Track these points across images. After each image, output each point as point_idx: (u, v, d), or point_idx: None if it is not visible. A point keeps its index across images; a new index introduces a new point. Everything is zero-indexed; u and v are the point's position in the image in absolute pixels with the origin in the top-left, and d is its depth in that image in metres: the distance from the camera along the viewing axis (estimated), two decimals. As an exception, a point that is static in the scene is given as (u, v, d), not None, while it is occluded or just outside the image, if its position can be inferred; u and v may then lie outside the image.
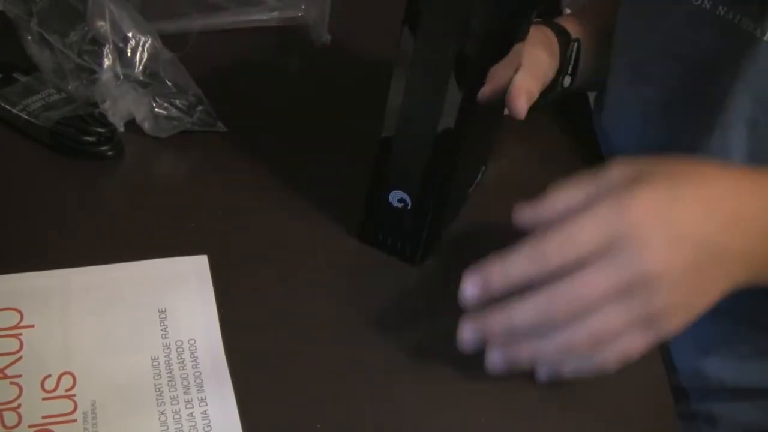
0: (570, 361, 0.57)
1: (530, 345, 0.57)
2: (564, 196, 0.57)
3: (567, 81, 0.78)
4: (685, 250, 0.55)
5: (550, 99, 0.78)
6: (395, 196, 0.66)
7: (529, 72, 0.71)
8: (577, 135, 0.81)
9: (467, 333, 0.58)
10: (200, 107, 0.75)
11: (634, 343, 0.56)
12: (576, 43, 0.77)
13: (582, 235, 0.54)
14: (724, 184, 0.56)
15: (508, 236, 0.72)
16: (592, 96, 0.85)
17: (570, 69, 0.78)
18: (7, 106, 0.74)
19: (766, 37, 0.62)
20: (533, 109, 0.72)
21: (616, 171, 0.57)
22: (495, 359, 0.58)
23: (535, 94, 0.73)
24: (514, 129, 0.77)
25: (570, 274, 0.54)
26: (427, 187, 0.65)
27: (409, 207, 0.66)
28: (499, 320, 0.57)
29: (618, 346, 0.56)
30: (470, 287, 0.57)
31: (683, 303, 0.56)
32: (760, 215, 0.56)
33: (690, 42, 0.68)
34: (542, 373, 0.58)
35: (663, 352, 0.66)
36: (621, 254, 0.54)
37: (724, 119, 0.66)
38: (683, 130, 0.70)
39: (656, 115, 0.72)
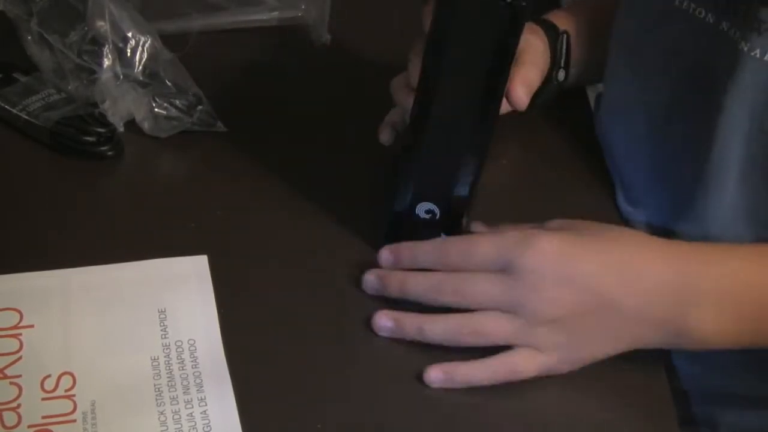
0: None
1: (418, 320, 0.62)
2: (498, 229, 0.66)
3: (561, 75, 0.78)
4: (575, 295, 0.59)
5: (546, 95, 0.78)
6: (423, 208, 0.66)
7: (527, 61, 0.71)
8: (577, 135, 0.81)
9: (370, 277, 0.65)
10: (200, 107, 0.75)
11: (521, 361, 0.60)
12: (565, 35, 0.77)
13: (481, 251, 0.61)
14: (638, 250, 0.61)
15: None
16: (592, 96, 0.85)
17: (563, 62, 0.77)
18: (7, 106, 0.74)
19: (753, 53, 0.62)
20: (533, 102, 0.72)
21: (550, 223, 0.64)
22: (382, 322, 0.63)
23: (536, 83, 0.73)
24: (514, 129, 0.77)
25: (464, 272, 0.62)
26: (456, 196, 0.65)
27: (437, 217, 0.66)
28: (396, 279, 0.64)
29: (504, 359, 0.60)
30: (385, 253, 0.65)
31: (567, 343, 0.60)
32: (672, 285, 0.60)
33: (689, 48, 0.68)
34: (433, 376, 0.61)
35: (663, 355, 0.66)
36: (508, 277, 0.60)
37: (723, 127, 0.65)
38: (684, 134, 0.69)
39: (658, 117, 0.72)
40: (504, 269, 0.60)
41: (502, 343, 0.61)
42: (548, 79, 0.77)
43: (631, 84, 0.73)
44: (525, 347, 0.60)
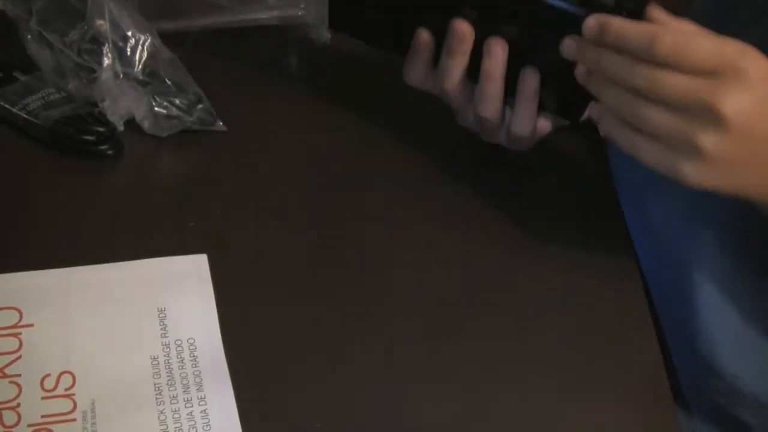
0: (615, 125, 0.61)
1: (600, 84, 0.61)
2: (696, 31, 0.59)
3: None
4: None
5: None
6: None
7: None
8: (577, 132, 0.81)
9: (568, 41, 0.63)
10: (200, 106, 0.75)
11: (655, 155, 0.59)
12: None
13: (700, 48, 0.57)
14: None
15: (518, 237, 0.72)
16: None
17: None
18: (6, 105, 0.74)
19: None
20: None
21: None
22: (581, 70, 0.62)
23: None
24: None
25: (663, 66, 0.57)
26: None
27: None
28: (595, 51, 0.61)
29: (651, 146, 0.59)
30: (592, 22, 0.60)
31: (724, 161, 0.57)
32: None
33: None
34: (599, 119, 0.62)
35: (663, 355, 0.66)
36: (716, 80, 0.56)
37: None
38: None
39: None
40: (712, 71, 0.56)
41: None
42: None
43: None
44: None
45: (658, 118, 0.58)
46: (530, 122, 0.69)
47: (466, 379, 0.62)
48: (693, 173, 0.58)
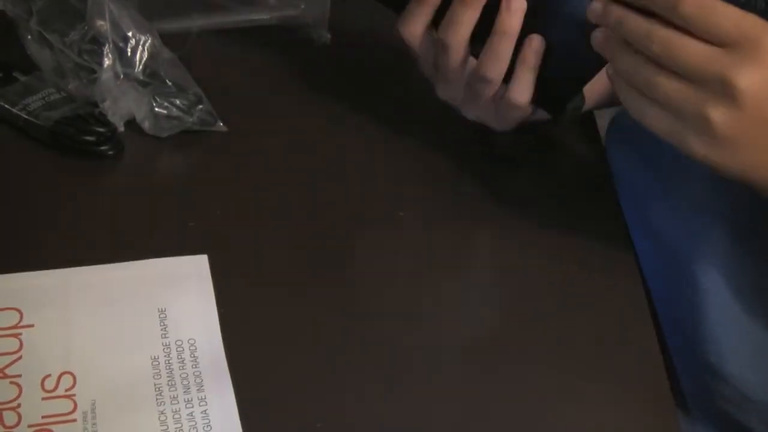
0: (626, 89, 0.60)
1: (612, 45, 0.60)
2: None
3: None
4: None
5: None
6: None
7: None
8: (579, 128, 0.81)
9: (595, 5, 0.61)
10: (200, 106, 0.75)
11: (664, 125, 0.58)
12: None
13: (724, 16, 0.55)
14: None
15: (517, 236, 0.72)
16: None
17: None
18: (6, 106, 0.74)
19: None
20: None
21: None
22: (598, 36, 0.61)
23: None
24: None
25: (684, 31, 0.56)
26: None
27: None
28: (618, 10, 0.59)
29: (661, 115, 0.58)
30: None
31: (732, 137, 0.56)
32: None
33: None
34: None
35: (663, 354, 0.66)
36: (735, 53, 0.55)
37: None
38: None
39: None
40: (732, 42, 0.55)
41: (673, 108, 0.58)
42: None
43: None
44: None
45: (671, 87, 0.57)
46: (529, 89, 0.68)
47: (466, 379, 0.62)
48: (699, 146, 0.57)
